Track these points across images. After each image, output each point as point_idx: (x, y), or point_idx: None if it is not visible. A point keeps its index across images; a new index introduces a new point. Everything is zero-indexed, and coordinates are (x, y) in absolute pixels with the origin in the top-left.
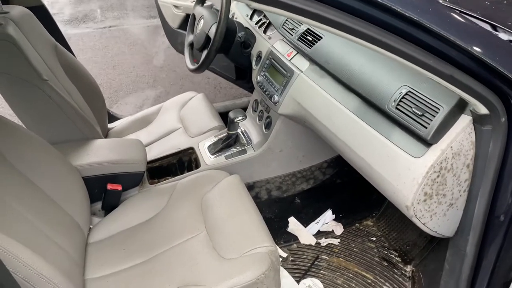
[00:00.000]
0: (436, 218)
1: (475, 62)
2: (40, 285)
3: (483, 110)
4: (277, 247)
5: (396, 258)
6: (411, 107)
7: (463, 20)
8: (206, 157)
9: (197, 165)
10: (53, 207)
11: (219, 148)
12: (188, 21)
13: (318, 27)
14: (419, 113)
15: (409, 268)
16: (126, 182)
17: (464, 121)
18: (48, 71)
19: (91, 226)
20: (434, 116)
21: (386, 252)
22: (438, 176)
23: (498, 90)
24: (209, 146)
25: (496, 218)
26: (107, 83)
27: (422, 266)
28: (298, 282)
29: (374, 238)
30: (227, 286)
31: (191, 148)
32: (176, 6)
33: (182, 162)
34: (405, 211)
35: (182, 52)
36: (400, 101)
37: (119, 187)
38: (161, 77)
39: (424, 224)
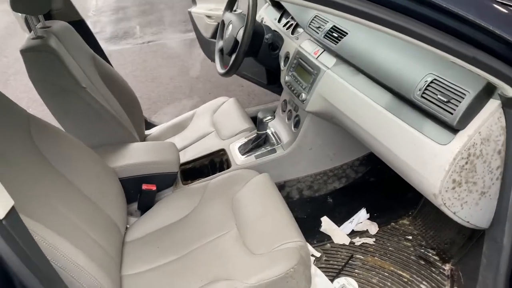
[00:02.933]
0: (468, 207)
1: (498, 42)
2: (77, 275)
3: (511, 92)
4: (307, 243)
5: (434, 257)
6: (437, 95)
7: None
8: (236, 157)
9: (228, 166)
10: (92, 207)
11: (249, 148)
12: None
13: (343, 17)
14: (445, 99)
15: (447, 266)
16: (160, 183)
17: (493, 106)
18: (87, 80)
19: (128, 226)
20: (460, 102)
21: (423, 251)
22: (466, 163)
23: None
24: (239, 147)
25: None
26: (147, 95)
27: (461, 264)
28: (332, 281)
29: (410, 237)
30: (257, 280)
31: (222, 150)
32: (208, 16)
33: (214, 163)
34: (433, 199)
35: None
36: (426, 89)
37: (154, 187)
38: (197, 87)
39: (454, 213)
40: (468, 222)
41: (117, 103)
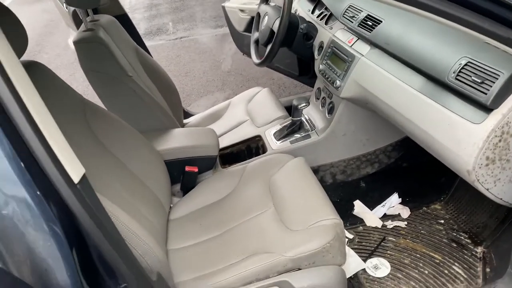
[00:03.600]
0: (501, 184)
1: None
2: (133, 242)
3: None
4: (342, 221)
5: (466, 240)
6: (471, 76)
7: None
8: (272, 143)
9: (264, 151)
10: (141, 186)
11: (284, 134)
12: (252, 24)
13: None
14: (479, 80)
15: (479, 249)
16: (201, 166)
17: None
18: (132, 70)
19: (171, 206)
20: (494, 82)
21: (455, 234)
22: (500, 141)
23: None
24: (274, 133)
25: None
26: (180, 88)
27: (493, 247)
28: (364, 261)
29: (442, 221)
30: (295, 253)
31: (258, 136)
32: (242, 10)
33: (250, 148)
34: (466, 176)
35: (248, 54)
36: (460, 71)
37: (196, 169)
38: (229, 80)
39: (488, 190)
40: (501, 199)
41: (158, 93)
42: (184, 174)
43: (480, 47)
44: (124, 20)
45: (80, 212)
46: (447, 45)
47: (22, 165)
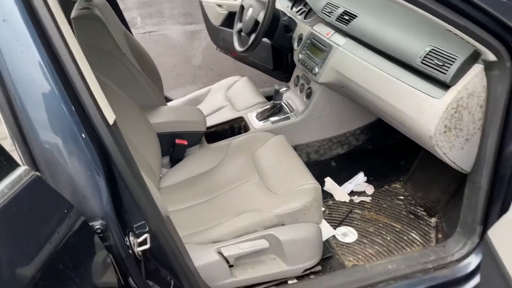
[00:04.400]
0: (455, 150)
1: (484, 14)
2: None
3: (491, 57)
4: (320, 186)
5: (422, 212)
6: (433, 60)
7: None
8: (254, 123)
9: (246, 131)
10: (137, 154)
11: (266, 115)
12: (229, 19)
13: None
14: (440, 63)
15: (433, 219)
16: (189, 140)
17: (477, 69)
18: (126, 48)
19: (161, 176)
20: (452, 64)
21: (412, 208)
22: (455, 112)
23: (503, 39)
24: (256, 115)
25: (506, 153)
26: None
27: (445, 217)
28: (334, 229)
29: (402, 197)
30: (279, 211)
31: (241, 117)
32: (219, 5)
33: (233, 128)
34: (428, 141)
35: (224, 48)
36: (425, 57)
37: (185, 142)
38: (200, 75)
39: (444, 154)
40: (454, 163)
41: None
42: (174, 146)
43: (442, 36)
44: (113, 4)
45: (114, 149)
46: (414, 35)
47: (73, 108)
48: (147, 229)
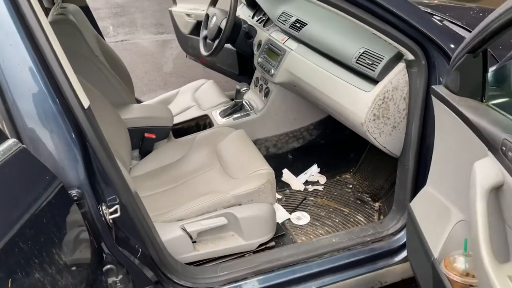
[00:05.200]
0: (384, 136)
1: (402, 21)
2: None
3: (410, 56)
4: (273, 171)
5: (367, 198)
6: (365, 60)
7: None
8: (218, 119)
9: (211, 126)
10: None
11: (228, 113)
12: (197, 28)
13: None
14: (370, 62)
15: (377, 204)
16: (157, 134)
17: (400, 67)
18: (97, 51)
19: (131, 167)
20: (379, 63)
21: (360, 195)
22: (382, 103)
23: (418, 41)
24: (220, 112)
25: (427, 137)
26: None
27: (386, 202)
28: (290, 213)
29: (350, 186)
30: (237, 192)
31: (206, 115)
32: (188, 15)
33: (198, 125)
34: (360, 128)
35: (193, 55)
36: (359, 57)
37: (153, 136)
38: (171, 81)
39: (375, 138)
40: (384, 147)
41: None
42: (143, 140)
43: (372, 40)
44: (86, 10)
45: (88, 128)
46: (351, 40)
47: (53, 93)
48: (117, 201)
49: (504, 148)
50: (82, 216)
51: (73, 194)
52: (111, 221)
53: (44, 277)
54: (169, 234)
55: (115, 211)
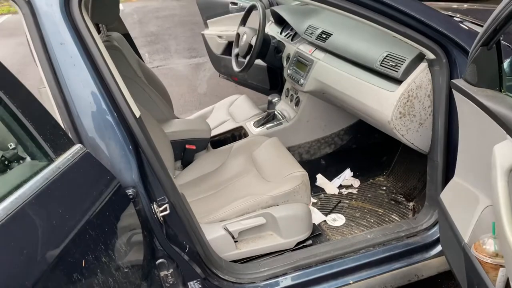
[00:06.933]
0: (412, 133)
1: (420, 23)
2: None
3: (431, 56)
4: (307, 173)
5: (401, 198)
6: (389, 62)
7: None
8: (252, 130)
9: (246, 136)
10: None
11: (261, 123)
12: (229, 48)
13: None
14: (394, 64)
15: (411, 204)
16: (197, 145)
17: (422, 66)
18: (140, 73)
19: (174, 177)
20: (402, 64)
21: (393, 196)
22: (407, 101)
23: (437, 41)
24: (254, 123)
25: (453, 132)
26: None
27: (420, 201)
28: (325, 216)
29: (384, 188)
30: (275, 193)
31: (241, 126)
32: (219, 36)
33: (234, 136)
34: (387, 126)
35: (225, 73)
36: (383, 61)
37: (194, 147)
38: (206, 101)
39: (402, 135)
40: (412, 144)
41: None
42: (185, 151)
43: (394, 43)
44: (127, 37)
45: (140, 135)
46: (374, 45)
47: (110, 105)
48: (167, 201)
49: None
50: (137, 213)
51: (129, 193)
52: (162, 219)
53: (110, 262)
54: (213, 233)
55: (165, 209)
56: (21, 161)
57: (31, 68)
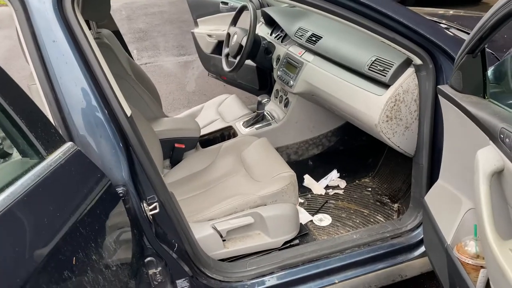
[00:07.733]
0: (398, 136)
1: (408, 29)
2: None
3: (418, 61)
4: (295, 173)
5: (387, 199)
6: (377, 67)
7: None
8: (241, 130)
9: (235, 136)
10: None
11: (251, 123)
12: (218, 47)
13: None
14: (382, 68)
15: (396, 205)
16: (186, 144)
17: (410, 71)
18: (130, 71)
19: (163, 175)
20: (390, 69)
21: (379, 197)
22: (394, 105)
23: (424, 47)
24: (243, 123)
25: (438, 136)
26: None
27: (405, 203)
28: (312, 216)
29: (370, 189)
30: (263, 193)
31: (230, 126)
32: (209, 35)
33: (223, 135)
34: (374, 129)
35: (215, 73)
36: (371, 65)
37: (183, 146)
38: (194, 99)
39: (389, 138)
40: (398, 147)
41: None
42: (173, 149)
43: (382, 48)
44: (117, 35)
45: (131, 133)
46: (363, 49)
47: (101, 103)
48: (156, 199)
49: (502, 136)
50: (127, 211)
51: (119, 191)
52: (151, 217)
53: (99, 260)
54: (201, 232)
55: (155, 208)
56: (6, 158)
57: (14, 62)
